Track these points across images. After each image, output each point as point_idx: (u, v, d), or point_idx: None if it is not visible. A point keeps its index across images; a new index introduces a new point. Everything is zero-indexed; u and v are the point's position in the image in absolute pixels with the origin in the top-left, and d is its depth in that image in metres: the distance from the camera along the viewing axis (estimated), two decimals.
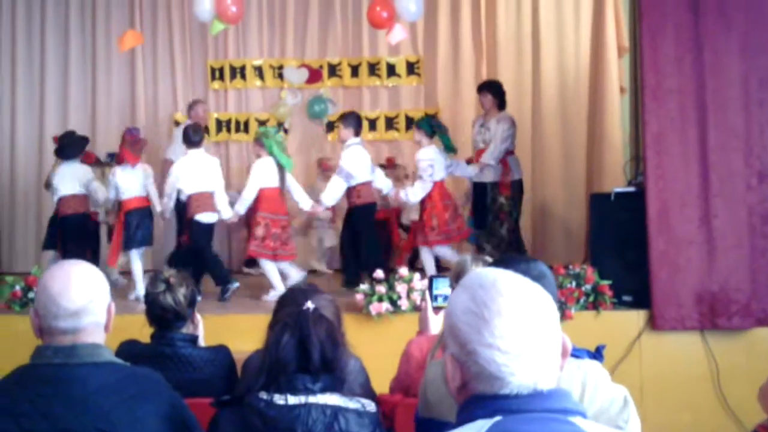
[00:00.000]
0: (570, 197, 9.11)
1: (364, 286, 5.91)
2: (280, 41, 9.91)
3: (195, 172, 7.16)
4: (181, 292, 3.25)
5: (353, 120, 7.44)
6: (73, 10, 9.84)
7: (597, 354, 2.43)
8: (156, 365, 2.94)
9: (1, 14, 9.31)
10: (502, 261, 2.51)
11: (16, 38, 9.81)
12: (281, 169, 7.12)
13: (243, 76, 9.82)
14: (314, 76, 9.77)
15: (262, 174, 7.13)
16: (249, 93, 9.89)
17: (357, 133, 7.41)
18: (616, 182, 7.21)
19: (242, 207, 7.22)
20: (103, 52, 9.82)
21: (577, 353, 2.36)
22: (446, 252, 7.26)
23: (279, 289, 6.80)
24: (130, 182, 7.31)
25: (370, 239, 7.39)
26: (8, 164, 9.74)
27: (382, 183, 7.58)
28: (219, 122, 9.83)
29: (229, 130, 9.83)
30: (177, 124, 9.14)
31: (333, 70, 9.84)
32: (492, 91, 7.84)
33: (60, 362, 2.22)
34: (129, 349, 3.23)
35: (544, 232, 9.45)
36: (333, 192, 7.26)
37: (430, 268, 7.18)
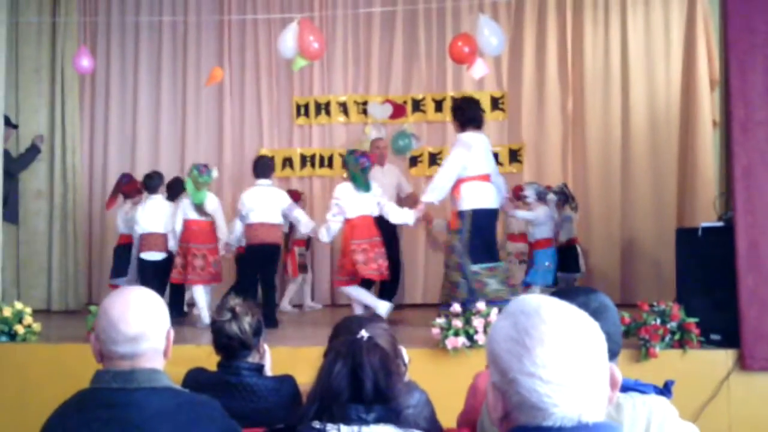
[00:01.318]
0: (660, 233, 8.87)
1: (440, 320, 5.83)
2: (365, 77, 10.01)
3: (151, 215, 8.08)
4: (246, 321, 3.26)
5: (258, 165, 7.79)
6: (165, 50, 10.18)
7: (665, 390, 2.33)
8: (222, 393, 2.96)
9: (96, 54, 9.65)
10: (560, 292, 2.44)
11: (110, 78, 10.18)
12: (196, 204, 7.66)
13: (327, 112, 9.95)
14: (398, 111, 9.82)
15: (182, 209, 7.82)
16: (333, 128, 10.00)
17: (261, 176, 7.69)
18: (708, 218, 6.97)
19: (173, 241, 7.97)
20: (193, 90, 10.12)
21: (643, 388, 2.27)
22: (351, 293, 7.29)
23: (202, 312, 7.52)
24: (118, 221, 8.81)
25: (241, 278, 7.83)
26: (100, 200, 10.04)
27: (302, 223, 7.75)
28: (303, 157, 9.96)
29: (313, 165, 9.94)
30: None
31: (417, 106, 9.88)
32: (453, 109, 7.44)
33: (118, 387, 2.24)
34: (196, 377, 3.26)
35: (633, 267, 9.25)
36: (232, 230, 7.82)
37: (357, 307, 7.23)
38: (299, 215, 7.71)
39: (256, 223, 7.49)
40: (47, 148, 9.54)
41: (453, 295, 6.87)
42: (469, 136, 7.09)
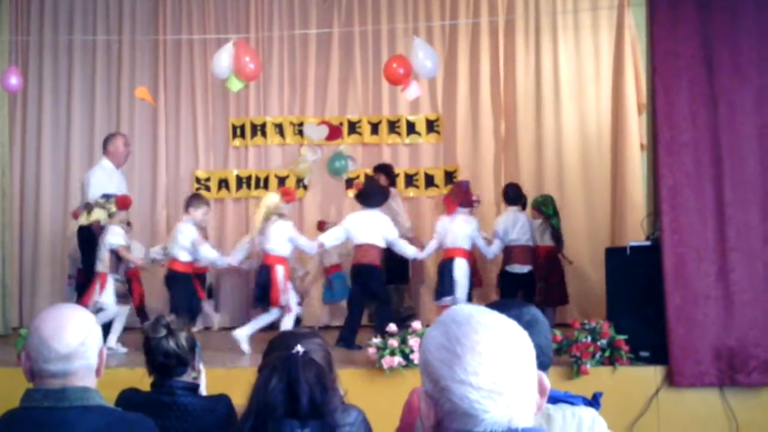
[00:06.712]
0: (593, 254, 9.01)
1: (376, 340, 5.86)
2: (301, 99, 10.00)
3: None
4: (183, 336, 3.23)
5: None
6: (99, 70, 10.00)
7: (594, 401, 2.38)
8: (156, 413, 2.91)
9: (28, 73, 9.48)
10: (494, 304, 2.48)
11: (42, 97, 9.96)
12: None
13: (263, 133, 9.90)
14: (334, 132, 9.85)
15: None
16: (269, 149, 9.96)
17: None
18: (638, 238, 7.15)
19: None
20: (127, 111, 9.95)
21: (572, 400, 2.32)
22: None
23: None
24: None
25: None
26: (32, 219, 9.83)
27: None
28: (239, 179, 9.90)
29: (249, 186, 9.88)
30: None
31: (353, 127, 9.91)
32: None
33: (49, 405, 2.20)
34: (129, 397, 3.21)
35: (568, 287, 9.36)
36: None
37: None
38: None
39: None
40: None
41: None
42: None
